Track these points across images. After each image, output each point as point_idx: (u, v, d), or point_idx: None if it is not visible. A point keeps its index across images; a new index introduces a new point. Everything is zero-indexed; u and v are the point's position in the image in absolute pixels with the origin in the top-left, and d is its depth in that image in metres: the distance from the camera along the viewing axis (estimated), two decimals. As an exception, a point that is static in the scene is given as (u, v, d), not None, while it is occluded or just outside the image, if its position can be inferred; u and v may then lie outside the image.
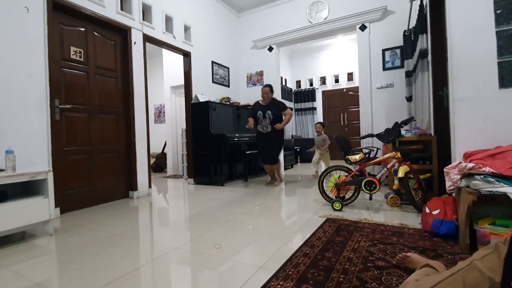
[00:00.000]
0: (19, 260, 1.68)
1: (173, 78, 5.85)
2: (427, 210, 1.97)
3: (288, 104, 7.75)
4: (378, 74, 4.37)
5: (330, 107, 7.92)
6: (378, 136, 2.70)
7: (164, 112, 6.59)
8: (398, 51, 4.20)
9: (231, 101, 5.01)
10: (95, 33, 3.16)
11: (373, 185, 2.54)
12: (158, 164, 6.33)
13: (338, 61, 7.71)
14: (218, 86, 5.18)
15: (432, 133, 2.91)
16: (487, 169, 1.56)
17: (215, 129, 4.31)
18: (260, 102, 3.98)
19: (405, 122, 2.57)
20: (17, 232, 2.00)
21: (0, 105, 2.25)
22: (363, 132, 4.41)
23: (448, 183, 1.77)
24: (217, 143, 4.16)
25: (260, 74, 5.60)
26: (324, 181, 2.82)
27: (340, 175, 2.76)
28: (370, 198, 2.69)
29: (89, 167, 3.04)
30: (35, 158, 2.49)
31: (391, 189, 2.80)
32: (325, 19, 4.83)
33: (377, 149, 3.58)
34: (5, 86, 2.31)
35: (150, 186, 3.67)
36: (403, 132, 2.88)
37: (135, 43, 3.51)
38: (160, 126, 7.00)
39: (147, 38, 3.70)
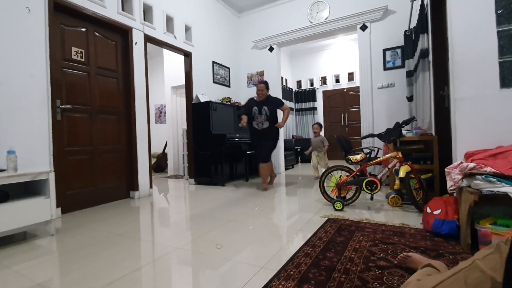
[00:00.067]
0: (20, 260, 1.68)
1: (173, 78, 5.86)
2: (428, 210, 1.97)
3: (289, 104, 7.75)
4: (379, 74, 4.36)
5: (331, 107, 7.92)
6: (379, 136, 2.70)
7: (165, 112, 6.60)
8: (399, 51, 4.20)
9: (231, 101, 5.01)
10: (96, 34, 3.16)
11: (374, 185, 2.54)
12: (159, 164, 6.34)
13: (339, 61, 7.71)
14: (219, 86, 5.18)
15: (433, 133, 2.91)
16: (489, 169, 1.56)
17: (216, 129, 4.31)
18: (255, 98, 3.83)
19: (406, 122, 2.57)
20: (19, 232, 2.01)
21: (2, 105, 2.26)
22: (363, 132, 4.41)
23: (449, 183, 1.77)
24: (218, 143, 4.17)
25: (261, 74, 5.60)
26: (325, 181, 2.82)
27: (341, 175, 2.76)
28: (371, 198, 2.69)
29: (90, 167, 3.05)
30: (37, 158, 2.49)
31: (392, 189, 2.80)
32: (325, 19, 4.83)
33: (378, 149, 3.58)
34: (6, 86, 2.31)
35: (151, 186, 3.67)
36: (404, 132, 2.88)
37: (136, 43, 3.51)
38: (161, 126, 7.00)
39: (148, 39, 3.71)
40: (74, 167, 2.89)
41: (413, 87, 3.57)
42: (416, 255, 1.38)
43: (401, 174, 2.43)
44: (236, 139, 4.35)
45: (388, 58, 4.30)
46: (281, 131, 5.61)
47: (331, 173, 2.83)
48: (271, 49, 5.48)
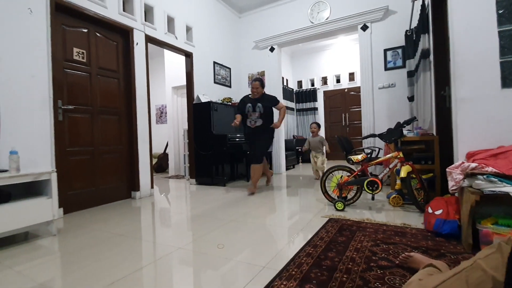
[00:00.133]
0: (22, 260, 1.69)
1: (174, 79, 5.87)
2: (430, 210, 1.97)
3: (290, 104, 7.75)
4: (379, 74, 4.36)
5: (332, 107, 7.92)
6: (381, 136, 2.70)
7: (166, 113, 6.61)
8: (399, 51, 4.20)
9: (232, 102, 5.02)
10: (98, 34, 3.17)
11: (375, 185, 2.55)
12: (160, 165, 6.35)
13: (340, 61, 7.71)
14: (219, 87, 5.19)
15: (434, 133, 2.91)
16: (490, 169, 1.56)
17: (217, 130, 4.32)
18: (249, 96, 3.70)
19: (407, 122, 2.57)
20: (21, 232, 2.01)
21: (4, 106, 2.26)
22: (364, 132, 4.41)
23: (450, 183, 1.77)
24: (219, 144, 4.17)
25: (262, 74, 5.61)
26: (326, 181, 2.82)
27: (342, 175, 2.76)
28: (373, 198, 2.69)
29: (92, 167, 3.06)
30: (38, 158, 2.50)
31: (393, 189, 2.80)
32: (326, 19, 4.83)
33: (379, 149, 3.58)
34: (8, 87, 2.32)
35: (152, 187, 3.68)
36: (405, 132, 2.88)
37: (137, 44, 3.52)
38: (162, 126, 7.01)
39: (149, 39, 3.71)
40: (76, 168, 2.90)
41: (414, 87, 3.57)
42: (418, 255, 1.38)
43: (402, 174, 2.43)
44: (237, 139, 4.36)
45: (389, 58, 4.30)
46: (282, 131, 5.61)
47: (332, 173, 2.83)
48: (272, 49, 5.48)
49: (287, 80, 7.92)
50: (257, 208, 2.78)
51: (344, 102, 7.72)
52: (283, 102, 6.40)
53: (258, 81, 3.61)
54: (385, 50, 4.32)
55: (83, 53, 3.01)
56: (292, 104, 7.96)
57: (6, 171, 1.99)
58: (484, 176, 1.54)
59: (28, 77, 2.46)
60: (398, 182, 2.56)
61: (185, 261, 1.64)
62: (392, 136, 2.61)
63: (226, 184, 4.25)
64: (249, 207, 2.84)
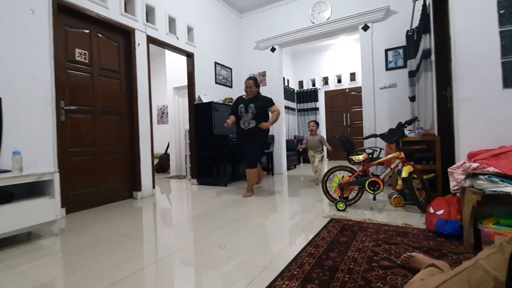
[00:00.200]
0: (25, 260, 1.70)
1: (176, 79, 5.88)
2: (431, 210, 1.97)
3: (291, 104, 7.75)
4: (381, 74, 4.36)
5: (333, 107, 7.92)
6: (382, 136, 2.70)
7: (167, 113, 6.62)
8: (401, 51, 4.20)
9: (233, 102, 5.02)
10: (99, 35, 3.18)
11: (377, 185, 2.55)
12: (161, 165, 6.36)
13: (341, 61, 7.71)
14: (221, 87, 5.19)
15: (436, 133, 2.91)
16: (491, 169, 1.56)
17: (218, 130, 4.33)
18: (243, 96, 3.52)
19: (409, 122, 2.57)
20: (23, 232, 2.02)
21: (6, 107, 2.27)
22: (366, 132, 4.41)
23: (452, 183, 1.77)
24: (220, 144, 4.18)
25: (263, 74, 5.62)
26: (328, 181, 2.82)
27: (343, 176, 2.76)
28: (374, 199, 2.69)
29: (94, 168, 3.07)
30: (41, 159, 2.51)
31: (395, 189, 2.80)
32: (327, 19, 4.83)
33: (380, 149, 3.58)
34: (11, 88, 2.33)
35: (154, 187, 3.68)
36: (406, 132, 2.88)
37: (138, 44, 3.53)
38: (163, 127, 7.02)
39: (150, 40, 3.72)
40: (78, 168, 2.91)
41: (415, 87, 3.57)
42: (419, 255, 1.38)
43: (404, 174, 2.43)
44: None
45: (390, 58, 4.30)
46: (283, 132, 5.62)
47: (334, 173, 2.83)
48: (273, 49, 5.49)
49: (288, 80, 7.93)
50: (258, 209, 2.78)
51: (345, 102, 7.72)
52: (284, 102, 6.41)
53: (251, 80, 3.43)
54: (386, 50, 4.32)
55: (85, 53, 3.02)
56: (293, 104, 7.96)
57: (9, 171, 2.00)
58: (486, 176, 1.54)
59: (30, 78, 2.47)
60: (400, 182, 2.57)
61: (187, 261, 1.65)
62: (394, 136, 2.61)
63: (228, 185, 4.25)
64: (250, 207, 2.85)
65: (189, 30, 4.47)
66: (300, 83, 8.31)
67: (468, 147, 1.96)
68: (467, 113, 1.99)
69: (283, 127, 5.64)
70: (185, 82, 4.74)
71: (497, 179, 1.50)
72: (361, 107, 4.68)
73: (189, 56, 4.49)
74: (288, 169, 5.96)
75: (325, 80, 7.97)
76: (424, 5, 2.98)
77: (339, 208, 2.57)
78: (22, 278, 1.47)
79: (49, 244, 1.97)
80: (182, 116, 6.03)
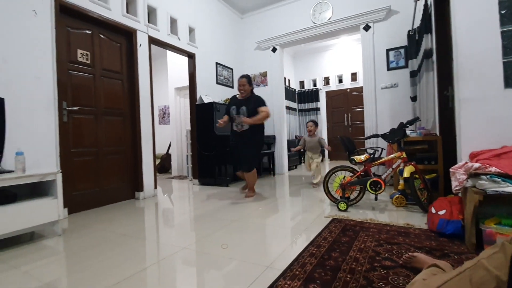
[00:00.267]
0: (28, 260, 1.71)
1: (177, 80, 5.90)
2: (433, 210, 1.97)
3: (292, 104, 7.75)
4: (382, 74, 4.36)
5: (334, 107, 7.92)
6: (383, 136, 2.70)
7: (169, 114, 6.64)
8: (402, 51, 4.20)
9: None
10: (101, 36, 3.20)
11: (379, 186, 2.55)
12: (163, 165, 6.37)
13: (342, 61, 7.70)
14: (222, 87, 5.20)
15: (437, 133, 2.90)
16: (493, 169, 1.56)
17: (220, 130, 4.33)
18: (237, 96, 3.39)
19: (410, 122, 2.57)
20: (27, 232, 2.03)
21: (10, 107, 2.28)
22: (367, 133, 4.41)
23: (454, 183, 1.77)
24: (222, 144, 4.18)
25: (264, 75, 5.62)
26: (329, 181, 2.83)
27: (345, 176, 2.76)
28: (376, 199, 2.69)
29: (96, 168, 3.08)
30: (43, 159, 2.53)
31: (397, 190, 2.80)
32: (329, 19, 4.83)
33: (382, 149, 3.58)
34: (13, 89, 2.35)
35: (155, 187, 3.70)
36: (408, 132, 2.88)
37: (140, 45, 3.54)
38: (165, 127, 7.04)
39: (152, 40, 3.74)
40: (80, 168, 2.93)
41: (416, 87, 3.57)
42: (421, 255, 1.39)
43: (406, 174, 2.43)
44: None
45: (391, 58, 4.30)
46: (284, 132, 5.62)
47: (335, 173, 2.83)
48: (274, 50, 5.49)
49: (289, 80, 7.93)
50: (260, 209, 2.79)
51: (347, 102, 7.72)
52: (286, 102, 6.40)
53: (245, 78, 3.27)
54: (388, 50, 4.32)
55: (87, 54, 3.04)
56: (294, 105, 7.96)
57: (12, 171, 2.02)
58: (488, 176, 1.54)
59: (33, 79, 2.49)
60: (401, 182, 2.56)
61: (189, 261, 1.65)
62: (395, 136, 2.61)
63: (229, 185, 4.26)
64: (252, 207, 2.85)
65: (191, 30, 4.48)
66: (301, 83, 8.30)
67: (470, 147, 1.96)
68: (469, 113, 1.99)
69: (284, 127, 5.64)
70: (187, 83, 4.75)
71: (499, 179, 1.50)
72: (363, 107, 4.67)
73: (191, 56, 4.50)
74: (289, 169, 5.97)
75: (326, 80, 7.97)
76: (425, 5, 2.98)
77: (341, 208, 2.57)
78: (26, 278, 1.48)
79: (52, 244, 1.98)
80: (183, 117, 6.04)
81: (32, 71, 2.49)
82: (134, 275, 1.46)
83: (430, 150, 2.95)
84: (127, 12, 3.42)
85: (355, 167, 2.85)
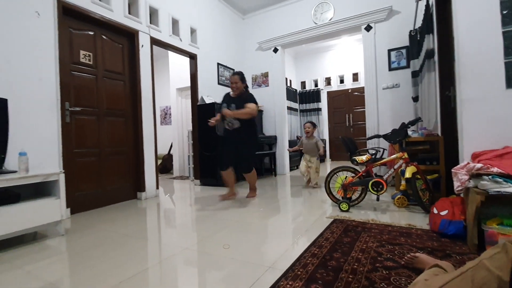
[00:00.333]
0: (32, 260, 1.72)
1: (179, 80, 5.91)
2: (435, 211, 1.97)
3: (293, 105, 7.75)
4: (384, 74, 4.36)
5: (335, 107, 7.91)
6: (385, 136, 2.70)
7: (170, 114, 6.65)
8: (404, 51, 4.19)
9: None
10: (104, 37, 3.21)
11: (380, 186, 2.54)
12: (165, 166, 6.39)
13: (343, 62, 7.70)
14: (223, 88, 5.20)
15: (439, 134, 2.90)
16: (495, 169, 1.56)
17: (221, 131, 4.33)
18: (230, 94, 3.29)
19: (412, 123, 2.57)
20: (30, 232, 2.05)
21: (13, 108, 2.30)
22: (369, 133, 4.41)
23: (456, 184, 1.77)
24: (223, 145, 4.18)
25: (265, 75, 5.63)
26: (331, 182, 2.83)
27: (346, 176, 2.76)
28: (377, 199, 2.69)
29: (98, 168, 3.09)
30: (46, 160, 2.54)
31: (398, 190, 2.79)
32: (330, 20, 4.84)
33: (384, 149, 3.58)
34: (17, 90, 2.36)
35: (157, 188, 3.71)
36: (409, 132, 2.88)
37: (142, 46, 3.56)
38: (166, 127, 7.06)
39: (154, 41, 3.75)
40: (83, 169, 2.94)
41: (418, 87, 3.56)
42: (423, 255, 1.39)
43: (407, 175, 2.43)
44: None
45: (393, 58, 4.29)
46: (286, 132, 5.62)
47: (337, 174, 2.83)
48: (275, 50, 5.50)
49: (290, 81, 7.93)
50: (261, 209, 2.79)
51: (348, 103, 7.71)
52: (287, 103, 6.39)
53: (237, 75, 3.17)
54: (389, 51, 4.31)
55: (89, 55, 3.05)
56: (295, 105, 7.97)
57: (15, 172, 2.03)
58: (490, 177, 1.54)
59: (36, 80, 2.50)
60: (403, 183, 2.56)
61: (191, 261, 1.66)
62: (397, 136, 2.61)
63: (231, 185, 4.26)
64: (253, 208, 2.86)
65: (192, 31, 4.49)
66: (303, 84, 8.31)
67: (472, 147, 1.96)
68: (471, 113, 1.98)
69: (286, 127, 5.64)
70: (188, 83, 4.76)
71: (501, 180, 1.50)
72: (364, 108, 4.67)
73: (192, 57, 4.51)
74: (291, 169, 5.97)
75: (328, 81, 7.97)
76: (427, 5, 2.98)
77: (342, 208, 2.57)
78: (29, 277, 1.49)
79: (55, 244, 1.99)
80: (185, 117, 6.05)
81: (35, 72, 2.50)
82: (136, 275, 1.47)
83: (432, 150, 2.94)
84: (129, 13, 3.44)
85: (357, 167, 2.85)
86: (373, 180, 2.57)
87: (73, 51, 2.91)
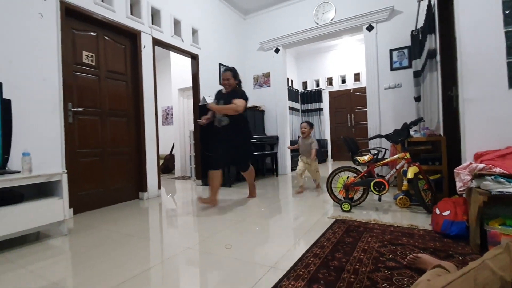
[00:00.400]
0: (35, 259, 1.73)
1: (180, 81, 5.92)
2: (438, 211, 1.96)
3: (295, 105, 7.75)
4: (385, 74, 4.35)
5: (337, 108, 7.91)
6: (387, 136, 2.70)
7: (172, 114, 6.67)
8: (405, 51, 4.19)
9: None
10: (106, 38, 3.23)
11: (382, 186, 2.54)
12: (166, 166, 6.40)
13: (345, 62, 7.70)
14: (225, 88, 5.21)
15: (441, 134, 2.90)
16: (498, 169, 1.56)
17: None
18: (222, 91, 3.16)
19: (414, 123, 2.57)
20: (33, 232, 2.06)
21: (17, 109, 2.31)
22: (370, 133, 4.40)
23: (458, 184, 1.77)
24: (225, 145, 4.18)
25: (267, 75, 5.63)
26: (333, 182, 2.83)
27: (348, 176, 2.76)
28: (379, 199, 2.68)
29: (101, 169, 3.11)
30: (49, 160, 2.55)
31: (400, 190, 2.79)
32: (331, 20, 4.83)
33: (385, 149, 3.57)
34: (20, 90, 2.38)
35: (159, 188, 3.72)
36: (412, 132, 2.87)
37: (144, 47, 3.57)
38: (168, 128, 7.07)
39: (156, 42, 3.76)
40: (85, 169, 2.95)
41: (420, 87, 3.56)
42: (426, 256, 1.39)
43: (409, 175, 2.42)
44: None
45: (395, 58, 4.28)
46: (287, 133, 5.61)
47: (339, 174, 2.83)
48: (277, 50, 5.50)
49: (292, 81, 7.93)
50: (263, 209, 2.79)
51: (350, 103, 7.70)
52: (288, 103, 6.39)
53: (230, 71, 3.04)
54: (391, 50, 4.30)
55: (92, 56, 3.06)
56: (297, 105, 7.97)
57: (18, 172, 2.04)
58: (492, 177, 1.54)
59: (39, 80, 2.52)
60: (405, 183, 2.56)
61: (193, 261, 1.66)
62: (399, 136, 2.60)
63: (232, 185, 4.27)
64: (255, 207, 2.86)
65: (194, 32, 4.50)
66: (304, 84, 8.31)
67: (474, 147, 1.96)
68: (473, 113, 1.98)
69: (287, 128, 5.64)
70: (190, 84, 4.77)
71: (504, 180, 1.50)
72: (366, 108, 4.67)
73: (194, 57, 4.52)
74: (293, 169, 5.96)
75: (329, 81, 7.97)
76: (429, 5, 2.97)
77: (344, 209, 2.57)
78: (32, 277, 1.50)
79: (58, 244, 2.00)
80: (187, 117, 6.07)
81: (38, 73, 2.52)
82: (138, 275, 1.48)
83: (434, 150, 2.94)
84: (131, 14, 3.45)
85: (359, 167, 2.84)
86: (375, 180, 2.56)
87: (76, 51, 2.92)
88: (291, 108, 7.22)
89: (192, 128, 5.04)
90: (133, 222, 2.50)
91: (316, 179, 3.89)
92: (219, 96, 3.13)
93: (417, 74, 3.62)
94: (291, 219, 2.47)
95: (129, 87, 3.47)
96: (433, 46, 2.90)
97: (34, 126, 2.47)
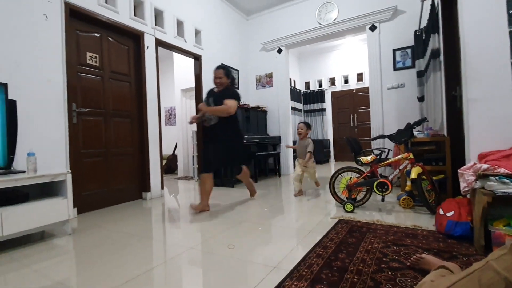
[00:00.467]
0: (40, 259, 1.75)
1: (183, 81, 5.94)
2: (441, 212, 1.95)
3: (297, 105, 7.74)
4: (388, 74, 4.34)
5: (340, 108, 7.89)
6: (390, 137, 2.69)
7: (175, 115, 6.69)
8: (409, 51, 4.17)
9: (240, 103, 5.03)
10: (110, 39, 3.25)
11: (385, 187, 2.53)
12: (169, 166, 6.42)
13: (348, 62, 7.68)
14: (228, 89, 5.22)
15: (445, 134, 2.88)
16: (502, 170, 1.55)
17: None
18: (214, 89, 3.05)
19: (418, 123, 2.55)
20: (37, 231, 2.08)
21: (22, 109, 2.33)
22: (373, 133, 4.39)
23: (462, 184, 1.76)
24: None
25: (269, 76, 5.63)
26: (336, 182, 2.82)
27: (351, 177, 2.75)
28: (382, 200, 2.67)
29: (104, 169, 3.12)
30: (54, 160, 2.57)
31: (404, 191, 2.78)
32: (334, 20, 4.83)
33: (389, 150, 3.56)
34: (25, 91, 2.40)
35: (162, 188, 3.73)
36: (415, 133, 2.86)
37: (147, 47, 3.59)
38: (171, 128, 7.10)
39: (159, 43, 3.78)
40: (89, 169, 2.97)
41: (424, 87, 3.54)
42: (429, 256, 1.38)
43: (413, 175, 2.41)
44: (245, 141, 4.38)
45: (398, 58, 4.27)
46: (290, 133, 5.61)
47: (342, 174, 2.83)
48: (279, 51, 5.50)
49: (294, 81, 7.93)
50: (266, 209, 2.80)
51: (353, 103, 7.68)
52: (291, 103, 6.39)
53: (222, 69, 2.93)
54: (394, 50, 4.29)
55: (96, 57, 3.09)
56: (299, 105, 7.96)
57: (23, 172, 2.06)
58: (496, 177, 1.53)
59: (44, 81, 2.54)
60: (409, 183, 2.55)
61: (196, 261, 1.67)
62: (402, 137, 2.60)
63: (234, 186, 4.28)
64: (258, 208, 2.86)
65: (197, 33, 4.52)
66: (307, 84, 8.30)
67: (478, 147, 1.94)
68: (477, 113, 1.97)
69: (290, 128, 5.63)
70: (193, 84, 4.78)
71: (508, 180, 1.49)
72: (369, 108, 4.65)
73: (197, 58, 4.53)
74: (294, 170, 5.95)
75: (332, 81, 7.95)
76: (432, 5, 2.96)
77: (347, 209, 2.57)
78: (37, 276, 1.51)
79: (62, 243, 2.02)
80: (189, 118, 6.07)
81: (43, 74, 2.54)
82: (141, 275, 1.48)
83: (438, 151, 2.92)
84: (135, 15, 3.47)
85: (362, 168, 2.84)
86: (378, 181, 2.56)
87: (80, 53, 2.94)
88: (293, 109, 7.21)
89: (194, 128, 5.05)
90: (137, 222, 2.51)
91: (316, 180, 3.87)
92: (208, 95, 3.03)
93: (420, 74, 3.61)
94: (293, 220, 2.47)
95: (133, 87, 3.49)
96: (436, 46, 2.89)
97: (39, 126, 2.49)
